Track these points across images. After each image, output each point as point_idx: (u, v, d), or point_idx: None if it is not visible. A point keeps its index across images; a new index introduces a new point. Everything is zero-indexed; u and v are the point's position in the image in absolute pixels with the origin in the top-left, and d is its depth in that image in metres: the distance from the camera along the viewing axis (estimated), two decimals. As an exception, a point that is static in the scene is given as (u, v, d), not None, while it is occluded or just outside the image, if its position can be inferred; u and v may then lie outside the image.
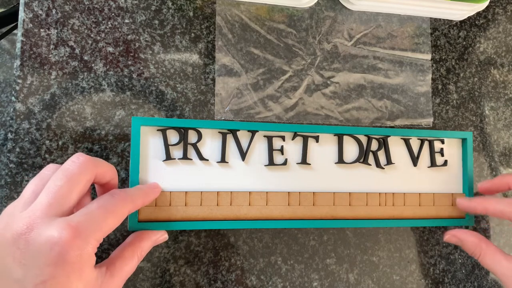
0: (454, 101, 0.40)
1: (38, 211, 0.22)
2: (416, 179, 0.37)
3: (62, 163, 0.30)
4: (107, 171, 0.26)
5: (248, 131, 0.33)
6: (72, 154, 0.31)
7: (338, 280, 0.35)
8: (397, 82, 0.38)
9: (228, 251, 0.33)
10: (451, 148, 0.38)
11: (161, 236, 0.30)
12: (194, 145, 0.32)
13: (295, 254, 0.35)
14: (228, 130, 0.32)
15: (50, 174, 0.24)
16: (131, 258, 0.27)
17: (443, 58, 0.40)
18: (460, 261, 0.39)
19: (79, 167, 0.24)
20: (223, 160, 0.32)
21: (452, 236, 0.34)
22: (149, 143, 0.31)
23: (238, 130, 0.33)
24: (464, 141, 0.38)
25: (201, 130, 0.32)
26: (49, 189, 0.23)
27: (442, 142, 0.37)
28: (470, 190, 0.37)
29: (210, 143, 0.32)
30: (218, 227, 0.31)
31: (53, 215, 0.22)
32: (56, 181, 0.23)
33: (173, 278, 0.32)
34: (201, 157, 0.32)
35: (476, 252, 0.34)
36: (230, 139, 0.33)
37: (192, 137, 0.32)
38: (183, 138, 0.31)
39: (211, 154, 0.32)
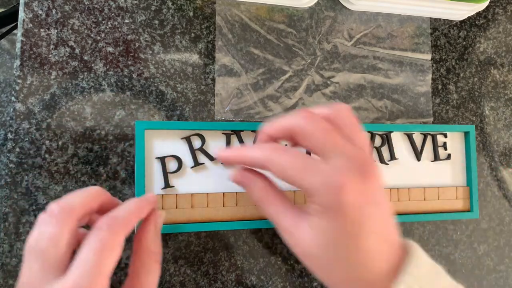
0: (454, 101, 0.40)
1: (35, 281, 0.22)
2: (420, 174, 0.37)
3: (62, 163, 0.30)
4: (88, 205, 0.25)
5: (252, 131, 0.33)
6: (72, 154, 0.31)
7: (338, 280, 0.35)
8: (397, 82, 0.38)
9: (228, 251, 0.33)
10: (454, 141, 0.38)
11: (157, 217, 0.27)
12: (201, 148, 0.32)
13: (295, 254, 0.35)
14: (232, 131, 0.33)
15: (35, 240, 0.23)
16: (147, 271, 0.26)
17: (443, 58, 0.40)
18: (460, 261, 0.39)
19: (54, 228, 0.23)
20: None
21: (241, 175, 0.28)
22: (153, 146, 0.31)
23: (242, 131, 0.33)
24: (466, 134, 0.38)
25: (204, 132, 0.32)
26: (36, 256, 0.22)
27: (445, 136, 0.37)
28: (474, 183, 0.37)
29: (214, 145, 0.32)
30: (224, 228, 0.31)
31: (50, 280, 0.22)
32: (40, 246, 0.22)
33: (173, 278, 0.32)
34: (210, 158, 0.32)
35: (262, 200, 0.28)
36: (234, 139, 0.33)
37: (195, 142, 0.32)
38: (188, 144, 0.32)
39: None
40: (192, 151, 0.32)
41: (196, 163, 0.32)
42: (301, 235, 0.26)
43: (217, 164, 0.32)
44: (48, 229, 0.23)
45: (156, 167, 0.31)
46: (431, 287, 0.25)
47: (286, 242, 0.27)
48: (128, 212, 0.25)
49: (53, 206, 0.23)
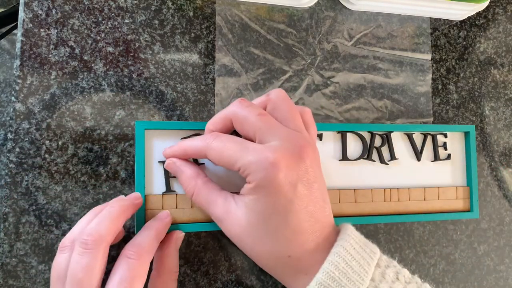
0: (454, 101, 0.40)
1: None
2: (420, 174, 0.37)
3: (62, 163, 0.30)
4: (116, 229, 0.26)
5: None
6: (72, 154, 0.31)
7: (338, 280, 0.35)
8: (397, 82, 0.38)
9: (228, 251, 0.33)
10: (454, 141, 0.38)
11: (178, 240, 0.30)
12: None
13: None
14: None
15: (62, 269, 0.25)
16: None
17: (443, 58, 0.40)
18: (460, 261, 0.39)
19: (88, 259, 0.24)
20: None
21: (172, 163, 0.29)
22: (154, 146, 0.31)
23: None
24: (466, 134, 0.38)
25: (203, 133, 0.32)
26: (72, 285, 0.24)
27: (445, 136, 0.37)
28: (474, 183, 0.37)
29: None
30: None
31: None
32: (76, 276, 0.24)
33: (173, 278, 0.32)
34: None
35: (189, 188, 0.28)
36: None
37: None
38: None
39: None
40: None
41: (197, 164, 0.32)
42: (233, 219, 0.27)
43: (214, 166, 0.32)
44: (84, 260, 0.24)
45: (158, 170, 0.31)
46: (360, 265, 0.25)
47: (221, 228, 0.28)
48: (152, 239, 0.27)
49: (86, 238, 0.25)
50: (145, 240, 0.27)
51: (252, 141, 0.27)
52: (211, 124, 0.29)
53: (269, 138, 0.26)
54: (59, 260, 0.25)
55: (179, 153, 0.29)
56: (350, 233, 0.26)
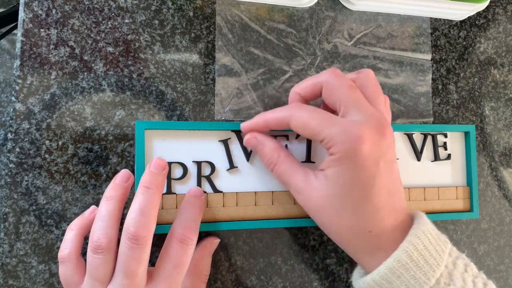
0: (454, 101, 0.40)
1: None
2: (420, 174, 0.37)
3: (62, 163, 0.30)
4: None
5: None
6: (72, 154, 0.31)
7: (338, 280, 0.35)
8: (397, 82, 0.38)
9: (228, 251, 0.33)
10: (454, 141, 0.38)
11: (213, 245, 0.32)
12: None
13: (295, 254, 0.35)
14: (232, 130, 0.32)
15: (99, 258, 0.25)
16: None
17: (443, 58, 0.40)
18: (460, 261, 0.39)
19: (140, 252, 0.25)
20: (231, 166, 0.32)
21: (253, 137, 0.30)
22: (154, 146, 0.31)
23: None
24: (466, 134, 0.38)
25: (204, 134, 0.32)
26: (126, 275, 0.25)
27: (445, 136, 0.37)
28: (474, 183, 0.37)
29: (215, 149, 0.32)
30: (224, 228, 0.31)
31: None
32: (130, 268, 0.25)
33: (173, 278, 0.32)
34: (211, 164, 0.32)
35: (273, 159, 0.29)
36: (233, 140, 0.32)
37: (197, 145, 0.32)
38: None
39: (217, 160, 0.32)
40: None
41: (199, 167, 0.32)
42: (313, 189, 0.27)
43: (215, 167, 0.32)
44: (136, 254, 0.25)
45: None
46: (436, 250, 0.26)
47: (297, 200, 0.29)
48: (198, 219, 0.28)
49: (136, 233, 0.25)
50: (193, 222, 0.27)
51: (335, 111, 0.28)
52: (299, 88, 0.29)
53: (353, 112, 0.26)
54: (99, 262, 0.25)
55: (261, 124, 0.29)
56: (425, 220, 0.27)
